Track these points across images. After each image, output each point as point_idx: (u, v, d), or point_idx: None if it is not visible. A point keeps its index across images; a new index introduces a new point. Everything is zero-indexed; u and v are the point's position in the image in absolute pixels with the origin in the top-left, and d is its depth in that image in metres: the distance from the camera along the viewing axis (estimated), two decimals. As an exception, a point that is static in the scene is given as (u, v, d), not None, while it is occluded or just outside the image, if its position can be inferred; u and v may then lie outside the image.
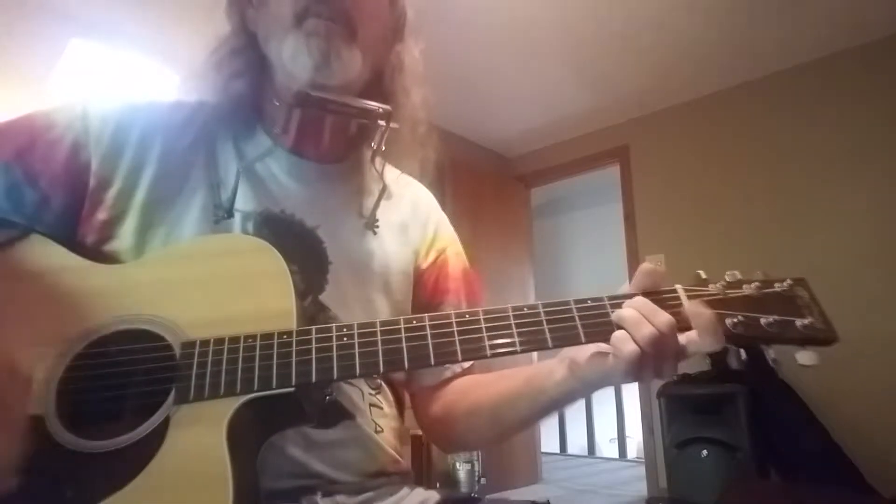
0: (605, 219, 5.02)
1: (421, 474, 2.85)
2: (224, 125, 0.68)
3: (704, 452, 2.60)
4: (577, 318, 0.54)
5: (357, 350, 0.52)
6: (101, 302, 0.54)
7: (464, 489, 3.05)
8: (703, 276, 0.57)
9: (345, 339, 0.52)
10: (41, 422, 0.48)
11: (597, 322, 0.54)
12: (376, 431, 0.66)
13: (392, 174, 0.77)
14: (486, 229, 3.76)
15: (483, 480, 3.20)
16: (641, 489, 3.39)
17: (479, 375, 0.75)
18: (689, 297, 0.54)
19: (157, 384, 0.50)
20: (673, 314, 0.52)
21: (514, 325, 0.54)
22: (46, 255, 0.56)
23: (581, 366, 0.57)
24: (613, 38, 2.87)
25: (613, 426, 5.08)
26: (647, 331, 0.50)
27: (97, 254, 0.59)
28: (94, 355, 0.51)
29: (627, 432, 4.98)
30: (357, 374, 0.52)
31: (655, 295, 0.54)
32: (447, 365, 0.73)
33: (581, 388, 0.59)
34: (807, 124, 3.03)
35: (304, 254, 0.65)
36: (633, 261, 3.50)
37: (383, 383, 0.70)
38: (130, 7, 2.47)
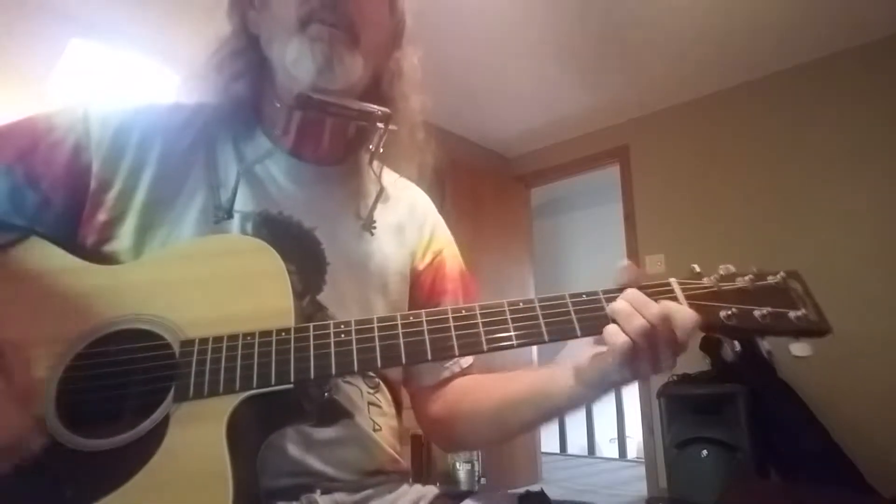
0: (605, 219, 5.03)
1: (421, 474, 2.85)
2: (224, 127, 0.69)
3: (704, 452, 2.60)
4: (572, 311, 0.54)
5: (355, 346, 0.52)
6: (101, 302, 0.54)
7: (464, 489, 3.06)
8: (698, 269, 0.57)
9: (342, 335, 0.53)
10: (41, 421, 0.49)
11: (592, 315, 0.54)
12: (374, 430, 0.66)
13: (390, 177, 0.78)
14: (486, 229, 3.76)
15: (483, 480, 3.20)
16: (641, 489, 3.39)
17: (482, 376, 0.75)
18: (684, 291, 0.55)
19: (157, 383, 0.50)
20: None
21: (510, 320, 0.54)
22: (46, 256, 0.56)
23: (584, 369, 0.57)
24: (613, 38, 2.88)
25: (613, 426, 5.08)
26: (637, 322, 0.51)
27: (97, 255, 0.59)
28: (93, 355, 0.51)
29: (627, 432, 4.98)
30: (355, 369, 0.52)
31: (650, 288, 0.55)
32: (446, 365, 0.74)
33: (587, 392, 0.59)
34: (807, 124, 3.04)
35: (303, 255, 0.65)
36: (634, 261, 3.47)
37: (381, 382, 0.70)
38: (130, 7, 2.47)
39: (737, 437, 2.55)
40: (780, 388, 2.70)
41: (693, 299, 0.54)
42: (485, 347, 0.53)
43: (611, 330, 0.52)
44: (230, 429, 0.48)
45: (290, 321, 0.53)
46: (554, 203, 5.64)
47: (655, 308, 0.51)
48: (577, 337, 0.54)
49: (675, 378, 2.89)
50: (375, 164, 0.75)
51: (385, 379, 0.71)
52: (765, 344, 0.54)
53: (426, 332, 0.53)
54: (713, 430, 2.62)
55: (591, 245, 5.67)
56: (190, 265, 0.57)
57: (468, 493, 2.98)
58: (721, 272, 0.57)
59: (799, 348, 0.53)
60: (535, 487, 3.12)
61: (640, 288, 0.54)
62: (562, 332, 0.54)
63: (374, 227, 0.73)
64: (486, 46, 2.94)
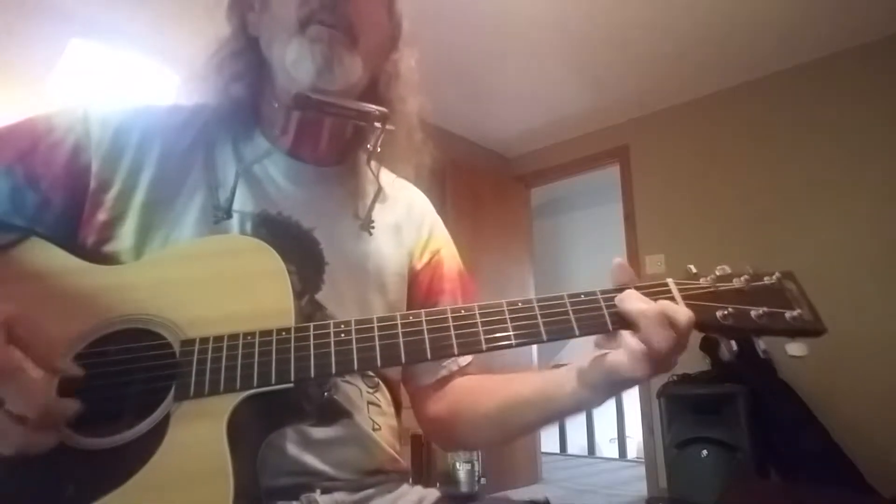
0: (605, 219, 5.03)
1: (421, 474, 2.86)
2: (223, 128, 0.69)
3: (704, 452, 2.60)
4: (570, 311, 0.54)
5: (354, 345, 0.52)
6: (101, 302, 0.54)
7: (464, 489, 3.06)
8: (694, 270, 0.58)
9: (342, 334, 0.53)
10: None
11: (590, 315, 0.54)
12: (374, 429, 0.66)
13: (388, 178, 0.79)
14: (486, 229, 3.76)
15: (483, 480, 3.20)
16: (641, 489, 3.39)
17: (483, 377, 0.75)
18: (681, 291, 0.55)
19: (158, 382, 0.51)
20: None
21: (509, 320, 0.54)
22: (46, 256, 0.56)
23: (587, 373, 0.58)
24: (613, 38, 2.88)
25: (613, 426, 5.08)
26: (669, 333, 0.50)
27: (97, 255, 0.60)
28: (94, 354, 0.52)
29: (627, 432, 4.99)
30: (355, 368, 0.52)
31: (647, 288, 0.55)
32: (443, 363, 0.74)
33: (591, 396, 0.59)
34: (807, 124, 3.04)
35: (301, 255, 0.66)
36: (634, 261, 3.50)
37: (381, 382, 0.70)
38: (130, 7, 2.47)
39: (737, 437, 2.55)
40: (779, 388, 2.70)
41: (690, 300, 0.55)
42: (484, 347, 0.53)
43: (630, 344, 0.52)
44: (230, 427, 0.48)
45: (290, 321, 0.53)
46: (554, 203, 5.65)
47: (657, 309, 0.51)
48: (575, 336, 0.54)
49: (675, 378, 2.89)
50: (373, 164, 0.75)
51: (384, 378, 0.71)
52: (761, 343, 0.55)
53: (426, 332, 0.53)
54: (713, 430, 2.62)
55: (591, 245, 5.68)
56: (190, 265, 0.57)
57: (469, 497, 2.98)
58: (717, 273, 0.57)
59: (795, 348, 0.54)
60: (537, 491, 3.12)
61: (638, 288, 0.55)
62: (560, 332, 0.54)
63: (373, 227, 0.73)
64: (487, 47, 2.94)
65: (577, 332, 0.54)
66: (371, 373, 0.68)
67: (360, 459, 0.64)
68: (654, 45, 2.93)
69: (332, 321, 0.54)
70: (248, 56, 0.70)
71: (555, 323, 0.54)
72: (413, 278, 0.77)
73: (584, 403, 0.60)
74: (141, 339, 0.53)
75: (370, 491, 0.63)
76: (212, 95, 0.69)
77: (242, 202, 0.65)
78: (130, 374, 0.51)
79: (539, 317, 0.54)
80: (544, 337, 0.54)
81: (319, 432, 0.61)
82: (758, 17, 2.69)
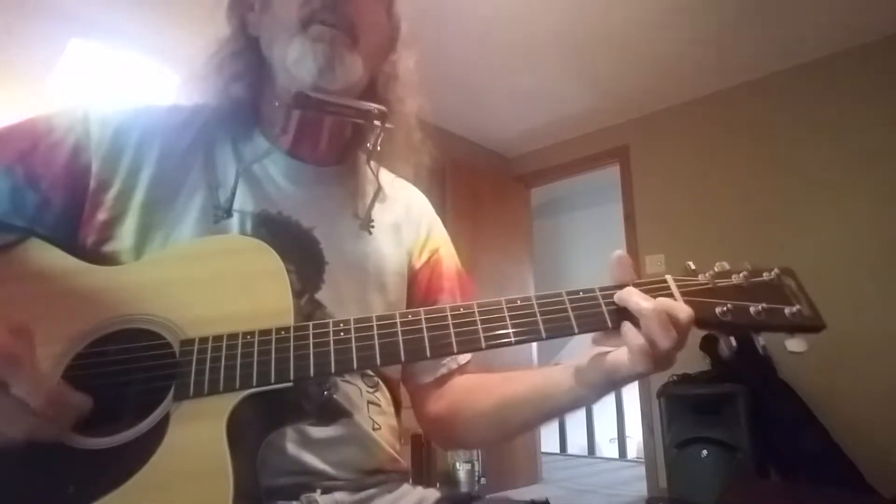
0: (605, 219, 5.03)
1: (421, 474, 2.85)
2: (223, 128, 0.69)
3: (704, 452, 2.60)
4: (569, 308, 0.55)
5: (354, 344, 0.52)
6: (101, 302, 0.54)
7: (464, 489, 3.06)
8: (693, 266, 0.58)
9: (342, 333, 0.53)
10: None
11: (589, 312, 0.54)
12: (374, 429, 0.66)
13: (387, 177, 0.79)
14: (486, 229, 3.76)
15: (483, 480, 3.20)
16: (641, 489, 3.39)
17: (482, 375, 0.75)
18: (680, 288, 0.55)
19: (157, 382, 0.51)
20: None
21: (508, 317, 0.54)
22: (46, 257, 0.56)
23: (585, 370, 0.58)
24: (613, 38, 2.88)
25: (613, 426, 5.08)
26: (673, 334, 0.50)
27: (97, 255, 0.60)
28: (94, 354, 0.52)
29: (627, 432, 4.98)
30: (354, 367, 0.52)
31: (646, 285, 0.55)
32: (442, 362, 0.74)
33: (587, 393, 0.59)
34: (807, 124, 3.04)
35: (301, 254, 0.66)
36: (634, 261, 3.47)
37: (381, 381, 0.70)
38: (130, 7, 2.47)
39: (737, 437, 2.55)
40: (779, 387, 2.70)
41: (689, 296, 0.55)
42: (483, 345, 0.53)
43: (639, 350, 0.52)
44: (230, 427, 0.48)
45: (289, 320, 0.53)
46: (554, 203, 5.65)
47: (686, 312, 0.51)
48: (574, 334, 0.54)
49: (675, 378, 2.89)
50: (373, 163, 0.75)
51: (384, 378, 0.71)
52: (760, 340, 0.55)
53: (425, 330, 0.53)
54: (713, 430, 2.62)
55: (591, 245, 5.67)
56: (190, 265, 0.57)
57: (469, 497, 2.98)
58: (716, 269, 0.57)
59: (794, 344, 0.54)
60: (537, 491, 3.12)
61: (636, 285, 0.55)
62: (559, 330, 0.54)
63: (372, 226, 0.74)
64: (487, 47, 2.94)
65: (575, 330, 0.54)
66: (371, 372, 0.69)
67: (360, 459, 0.64)
68: (653, 45, 2.93)
69: (331, 320, 0.54)
70: (248, 56, 0.70)
71: (554, 320, 0.54)
72: (412, 277, 0.77)
73: (582, 400, 0.60)
74: (140, 339, 0.53)
75: (370, 491, 0.63)
76: (211, 95, 0.69)
77: (242, 202, 0.65)
78: (130, 373, 0.51)
79: (538, 314, 0.54)
80: (543, 334, 0.54)
81: (319, 432, 0.61)
82: (758, 16, 2.69)
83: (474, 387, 0.73)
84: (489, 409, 0.68)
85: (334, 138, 0.73)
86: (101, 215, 0.61)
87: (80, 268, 0.56)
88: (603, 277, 0.57)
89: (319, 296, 0.65)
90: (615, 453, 5.07)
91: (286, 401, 0.53)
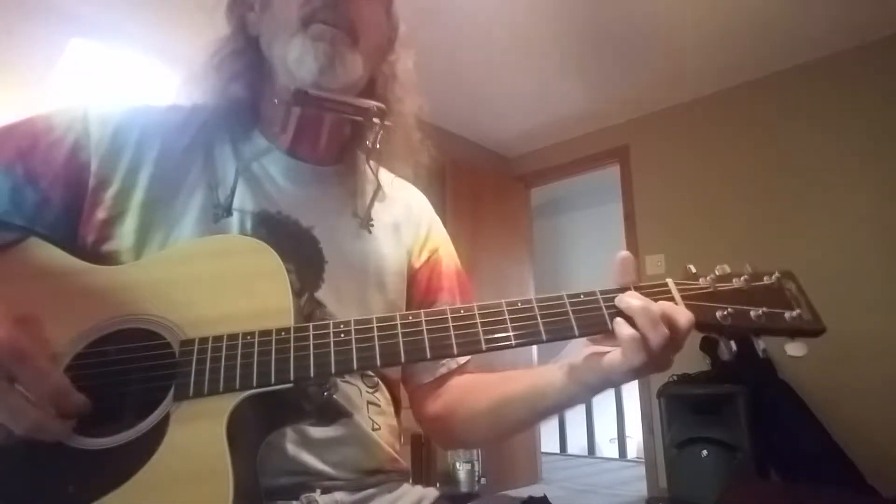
0: (605, 219, 5.03)
1: (421, 474, 2.85)
2: (222, 127, 0.69)
3: (704, 452, 2.60)
4: (570, 311, 0.54)
5: (354, 345, 0.52)
6: (101, 302, 0.54)
7: (464, 489, 3.06)
8: (693, 270, 0.58)
9: (342, 334, 0.53)
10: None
11: (590, 315, 0.54)
12: (374, 429, 0.66)
13: (387, 177, 0.79)
14: (486, 229, 3.76)
15: (483, 480, 3.20)
16: (641, 489, 3.39)
17: (481, 375, 0.75)
18: (681, 292, 0.55)
19: (157, 382, 0.51)
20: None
21: (508, 320, 0.54)
22: (46, 256, 0.56)
23: (580, 369, 0.58)
24: (613, 38, 2.88)
25: (613, 426, 5.08)
26: (663, 331, 0.50)
27: (97, 254, 0.60)
28: (93, 354, 0.52)
29: (627, 432, 4.98)
30: (354, 368, 0.52)
31: (647, 289, 0.55)
32: (442, 361, 0.74)
33: (581, 391, 0.59)
34: (807, 124, 3.04)
35: (301, 253, 0.66)
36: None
37: (380, 382, 0.70)
38: (130, 7, 2.47)
39: (737, 437, 2.55)
40: (779, 388, 2.70)
41: (690, 300, 0.55)
42: (483, 347, 0.53)
43: (630, 342, 0.51)
44: (230, 427, 0.48)
45: (289, 321, 0.53)
46: (554, 203, 5.65)
47: (658, 308, 0.51)
48: (574, 337, 0.54)
49: (675, 378, 2.89)
50: (372, 162, 0.76)
51: (384, 378, 0.71)
52: (760, 343, 0.55)
53: (425, 332, 0.53)
54: (713, 430, 2.62)
55: (591, 245, 5.68)
56: (190, 265, 0.57)
57: (469, 496, 2.98)
58: (717, 272, 0.57)
59: (794, 348, 0.54)
60: (537, 491, 3.12)
61: (638, 288, 0.55)
62: (560, 332, 0.54)
63: (372, 226, 0.74)
64: (487, 47, 2.94)
65: (576, 333, 0.54)
66: (371, 372, 0.69)
67: (360, 459, 0.64)
68: (654, 45, 2.93)
69: (331, 321, 0.54)
70: (247, 55, 0.70)
71: (554, 323, 0.54)
72: (412, 277, 0.77)
73: (576, 399, 0.60)
74: (140, 339, 0.53)
75: (370, 491, 0.63)
76: (211, 95, 0.69)
77: (242, 200, 0.65)
78: (130, 374, 0.51)
79: (539, 317, 0.54)
80: (544, 337, 0.53)
81: (319, 432, 0.61)
82: (757, 17, 2.69)
83: (471, 386, 0.73)
84: (486, 408, 0.69)
85: (334, 137, 0.73)
86: (101, 214, 0.61)
87: (79, 267, 0.56)
88: (603, 277, 0.57)
89: (319, 295, 0.65)
90: (615, 453, 5.07)
91: (286, 401, 0.53)
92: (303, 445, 0.59)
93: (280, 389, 0.50)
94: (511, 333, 0.54)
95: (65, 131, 0.62)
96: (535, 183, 4.29)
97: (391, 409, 0.72)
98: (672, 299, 0.54)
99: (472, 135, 3.98)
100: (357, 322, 0.54)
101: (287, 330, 0.53)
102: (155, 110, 0.70)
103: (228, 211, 0.64)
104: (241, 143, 0.70)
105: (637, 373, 0.52)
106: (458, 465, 3.11)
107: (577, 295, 0.55)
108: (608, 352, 0.54)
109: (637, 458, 4.46)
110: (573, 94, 3.46)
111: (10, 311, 0.45)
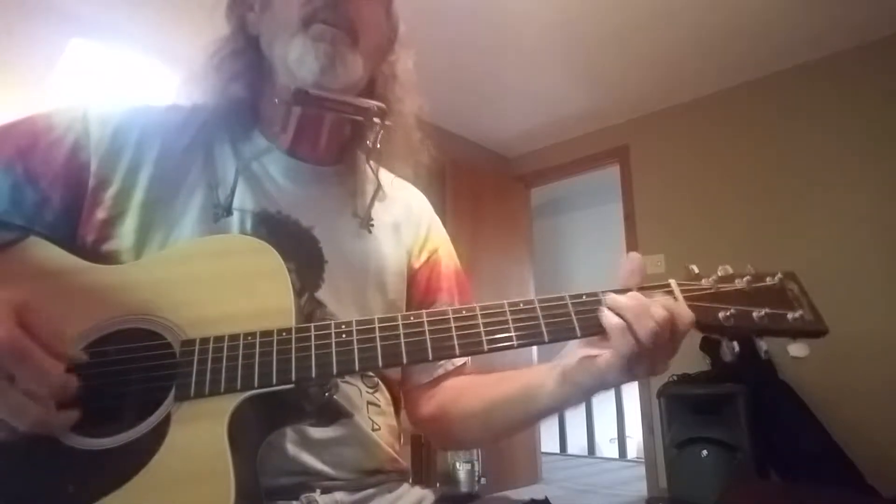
0: (605, 219, 5.03)
1: (421, 474, 2.85)
2: (222, 128, 0.69)
3: (704, 452, 2.60)
4: (572, 312, 0.54)
5: (356, 346, 0.52)
6: (101, 302, 0.54)
7: (464, 489, 3.06)
8: (696, 270, 0.58)
9: (343, 335, 0.53)
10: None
11: (592, 316, 0.54)
12: (374, 430, 0.66)
13: (387, 177, 0.79)
14: (486, 229, 3.76)
15: (483, 480, 3.20)
16: (641, 489, 3.39)
17: (474, 376, 0.76)
18: (683, 292, 0.55)
19: (158, 382, 0.51)
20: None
21: (510, 321, 0.54)
22: (45, 256, 0.56)
23: (574, 369, 0.57)
24: (613, 38, 2.88)
25: (613, 426, 5.08)
26: (649, 324, 0.50)
27: (96, 254, 0.60)
28: (93, 355, 0.51)
29: (627, 432, 4.98)
30: (356, 368, 0.52)
31: (651, 289, 0.55)
32: (441, 363, 0.74)
33: (575, 392, 0.59)
34: (807, 124, 3.04)
35: (301, 253, 0.66)
36: (633, 261, 3.48)
37: (380, 382, 0.70)
38: (130, 7, 2.47)
39: (737, 437, 2.55)
40: (780, 388, 2.70)
41: (692, 300, 0.55)
42: (485, 348, 0.53)
43: (615, 330, 0.52)
44: (231, 427, 0.48)
45: (290, 321, 0.53)
46: (554, 203, 5.65)
47: (661, 309, 0.51)
48: (577, 338, 0.54)
49: (675, 378, 2.89)
50: (372, 162, 0.76)
51: (384, 378, 0.71)
52: (762, 344, 0.55)
53: (427, 333, 0.53)
54: (713, 430, 2.62)
55: (591, 245, 5.68)
56: (190, 265, 0.57)
57: (469, 497, 2.98)
58: (719, 273, 0.57)
59: (796, 349, 0.54)
60: (537, 491, 3.12)
61: (640, 289, 0.55)
62: (562, 333, 0.54)
63: (372, 225, 0.74)
64: (487, 47, 2.94)
65: (578, 333, 0.54)
66: (371, 373, 0.69)
67: (360, 459, 0.64)
68: (654, 45, 2.93)
69: (332, 322, 0.54)
70: (247, 55, 0.70)
71: (556, 324, 0.54)
72: (411, 277, 0.77)
73: (570, 401, 0.60)
74: (141, 339, 0.53)
75: (370, 491, 0.63)
76: (211, 95, 0.69)
77: (242, 200, 0.65)
78: (131, 374, 0.51)
79: (541, 317, 0.54)
80: (546, 338, 0.53)
81: (319, 432, 0.61)
82: (758, 17, 2.69)
83: (465, 387, 0.73)
84: (479, 409, 0.69)
85: (334, 137, 0.73)
86: (101, 214, 0.61)
87: (79, 267, 0.56)
88: (603, 277, 0.57)
89: (319, 294, 0.65)
90: (615, 453, 5.07)
91: (287, 402, 0.53)
92: (303, 446, 0.59)
93: (281, 390, 0.50)
94: (513, 334, 0.53)
95: (65, 131, 0.62)
96: (535, 183, 4.28)
97: (391, 410, 0.72)
98: (675, 300, 0.54)
99: (472, 135, 3.98)
100: (359, 322, 0.54)
101: (288, 330, 0.52)
102: (155, 110, 0.70)
103: (228, 210, 0.64)
104: (241, 142, 0.70)
105: (630, 372, 0.52)
106: (458, 465, 3.11)
107: (580, 296, 0.55)
108: (601, 354, 0.54)
109: (637, 458, 4.46)
110: (573, 94, 3.46)
111: (12, 309, 0.45)
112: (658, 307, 0.51)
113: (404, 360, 0.53)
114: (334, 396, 0.63)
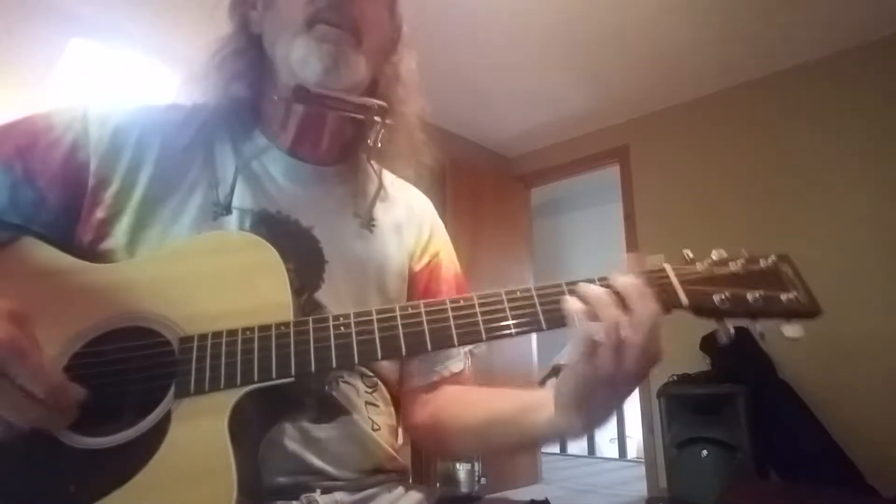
0: (605, 219, 5.02)
1: (421, 474, 2.85)
2: (222, 127, 0.69)
3: (704, 452, 2.60)
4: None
5: (354, 338, 0.52)
6: (99, 300, 0.54)
7: (464, 489, 3.05)
8: (691, 255, 0.58)
9: (342, 328, 0.53)
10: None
11: None
12: (373, 429, 0.66)
13: (388, 178, 0.79)
14: (486, 229, 3.76)
15: (483, 480, 3.20)
16: (641, 489, 3.39)
17: (471, 388, 0.75)
18: (678, 276, 0.55)
19: (157, 380, 0.50)
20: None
21: (507, 308, 0.54)
22: (40, 255, 0.56)
23: (560, 391, 0.57)
24: (613, 38, 2.88)
25: (613, 426, 5.07)
26: (610, 309, 0.49)
27: (94, 253, 0.59)
28: (92, 354, 0.51)
29: (627, 432, 4.98)
30: (356, 361, 0.52)
31: (645, 274, 0.55)
32: (435, 368, 0.74)
33: (568, 422, 0.57)
34: (807, 124, 3.04)
35: (301, 253, 0.66)
36: (633, 261, 3.49)
37: (379, 382, 0.70)
38: (130, 7, 2.47)
39: (737, 437, 2.55)
40: (780, 388, 2.70)
41: (688, 284, 0.55)
42: (484, 336, 0.53)
43: (573, 317, 0.51)
44: (232, 423, 0.48)
45: (288, 315, 0.53)
46: (554, 203, 5.64)
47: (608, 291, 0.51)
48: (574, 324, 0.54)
49: (675, 378, 2.89)
50: (374, 162, 0.75)
51: (383, 378, 0.71)
52: (758, 327, 0.55)
53: (425, 323, 0.53)
54: (713, 430, 2.62)
55: (591, 245, 5.67)
56: (187, 262, 0.57)
57: (469, 497, 2.97)
58: (713, 257, 0.57)
59: (791, 330, 0.54)
60: (537, 491, 3.12)
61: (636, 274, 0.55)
62: (559, 320, 0.53)
63: (373, 225, 0.73)
64: (487, 47, 2.94)
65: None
66: (370, 373, 0.68)
67: (360, 458, 0.64)
68: (654, 45, 2.93)
69: (330, 315, 0.54)
70: (249, 54, 0.70)
71: (554, 311, 0.54)
72: (411, 279, 0.77)
73: (561, 431, 0.58)
74: (139, 337, 0.52)
75: (370, 491, 0.63)
76: (211, 94, 0.69)
77: (242, 199, 0.65)
78: (129, 372, 0.51)
79: (538, 305, 0.54)
80: (544, 325, 0.53)
81: (319, 430, 0.61)
82: (758, 16, 2.69)
83: (460, 398, 0.73)
84: (475, 424, 0.68)
85: (335, 137, 0.73)
86: (100, 213, 0.61)
87: (76, 266, 0.56)
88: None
89: (319, 295, 0.65)
90: (615, 453, 5.07)
91: (287, 395, 0.53)
92: (304, 444, 0.59)
93: (281, 384, 0.50)
94: (511, 322, 0.53)
95: (64, 130, 0.62)
96: (535, 183, 4.29)
97: (390, 410, 0.72)
98: (671, 284, 0.54)
99: (472, 135, 3.98)
100: (357, 315, 0.53)
101: (286, 324, 0.52)
102: (155, 110, 0.69)
103: (228, 209, 0.64)
104: (242, 142, 0.70)
105: (593, 366, 0.50)
106: (458, 465, 3.11)
107: (576, 283, 0.55)
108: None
109: (637, 458, 4.46)
110: (573, 94, 3.46)
111: (6, 308, 0.45)
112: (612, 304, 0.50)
113: (404, 352, 0.53)
114: (333, 393, 0.63)
